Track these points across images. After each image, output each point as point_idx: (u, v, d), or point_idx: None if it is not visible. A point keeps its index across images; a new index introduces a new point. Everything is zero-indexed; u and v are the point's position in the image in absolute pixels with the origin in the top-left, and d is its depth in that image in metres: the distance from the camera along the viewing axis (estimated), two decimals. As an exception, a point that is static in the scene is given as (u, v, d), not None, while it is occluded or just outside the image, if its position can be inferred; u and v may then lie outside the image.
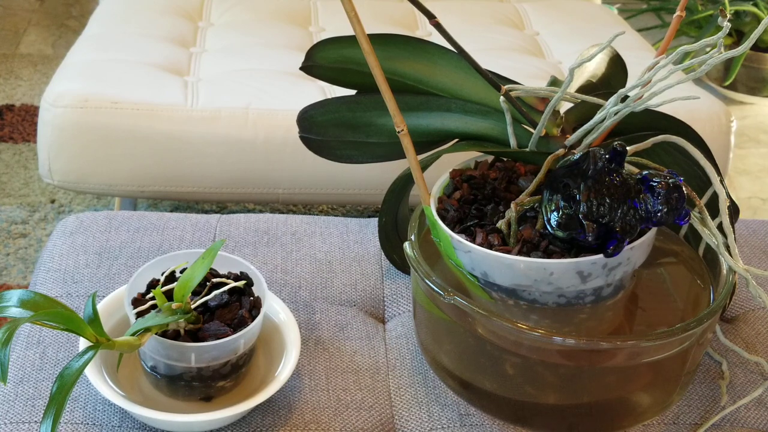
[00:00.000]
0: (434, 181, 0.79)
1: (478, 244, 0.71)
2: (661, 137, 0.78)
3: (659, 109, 0.76)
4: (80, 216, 0.98)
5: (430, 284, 0.71)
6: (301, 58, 0.91)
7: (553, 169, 0.72)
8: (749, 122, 2.43)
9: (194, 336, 0.71)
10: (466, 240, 0.72)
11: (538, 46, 1.78)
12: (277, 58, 1.60)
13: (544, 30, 1.86)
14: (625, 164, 0.70)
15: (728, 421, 0.79)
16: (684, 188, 0.67)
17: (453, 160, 0.85)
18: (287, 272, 0.92)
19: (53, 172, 1.41)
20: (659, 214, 0.67)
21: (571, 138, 0.77)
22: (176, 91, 1.45)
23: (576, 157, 0.68)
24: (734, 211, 0.80)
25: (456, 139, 0.87)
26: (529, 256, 0.69)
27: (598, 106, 0.79)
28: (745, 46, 0.68)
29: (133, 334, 0.68)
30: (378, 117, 0.89)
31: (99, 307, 0.74)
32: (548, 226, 0.69)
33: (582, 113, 0.83)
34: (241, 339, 0.72)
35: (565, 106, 0.86)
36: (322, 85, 1.48)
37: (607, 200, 0.66)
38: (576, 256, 0.69)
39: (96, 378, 0.72)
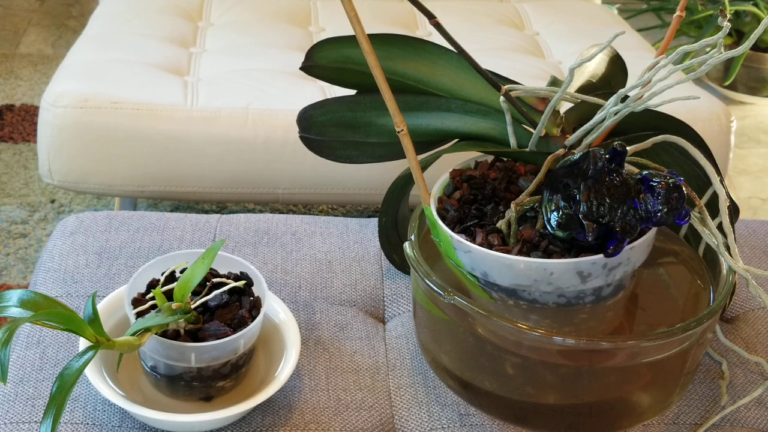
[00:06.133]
0: (434, 181, 0.79)
1: (478, 244, 0.71)
2: (661, 137, 0.78)
3: (659, 109, 0.76)
4: (80, 216, 0.98)
5: (430, 284, 0.71)
6: (301, 58, 0.91)
7: (553, 169, 0.72)
8: (749, 122, 2.43)
9: (194, 336, 0.71)
10: (466, 240, 0.72)
11: (538, 46, 1.78)
12: (277, 58, 1.60)
13: (544, 30, 1.86)
14: (625, 164, 0.70)
15: (728, 421, 0.79)
16: (684, 188, 0.67)
17: (453, 160, 0.85)
18: (287, 272, 0.92)
19: (53, 172, 1.41)
20: (659, 214, 0.67)
21: (571, 138, 0.77)
22: (176, 91, 1.45)
23: (576, 157, 0.68)
24: (734, 211, 0.80)
25: (456, 139, 0.87)
26: (529, 256, 0.69)
27: (598, 106, 0.79)
28: (745, 46, 0.68)
29: (133, 334, 0.68)
30: (378, 117, 0.89)
31: (99, 307, 0.74)
32: (548, 226, 0.69)
33: (582, 113, 0.83)
34: (241, 339, 0.72)
35: (565, 106, 0.86)
36: (322, 85, 1.48)
37: (607, 200, 0.66)
38: (576, 256, 0.69)
39: (96, 378, 0.72)
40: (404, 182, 0.88)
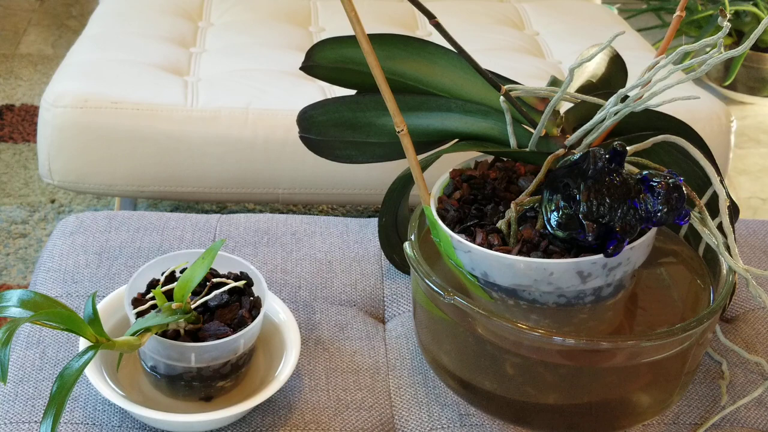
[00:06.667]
0: (434, 181, 0.79)
1: (478, 244, 0.71)
2: (661, 137, 0.78)
3: (659, 109, 0.76)
4: (80, 216, 0.98)
5: (430, 284, 0.71)
6: (301, 58, 0.91)
7: (553, 169, 0.72)
8: (749, 122, 2.43)
9: (194, 336, 0.71)
10: (466, 240, 0.72)
11: (538, 46, 1.78)
12: (277, 58, 1.60)
13: (544, 30, 1.86)
14: (625, 164, 0.70)
15: (728, 421, 0.79)
16: (684, 188, 0.67)
17: (453, 160, 0.85)
18: (287, 272, 0.92)
19: (53, 172, 1.41)
20: (659, 214, 0.67)
21: (571, 138, 0.77)
22: (176, 91, 1.45)
23: (576, 157, 0.68)
24: (734, 211, 0.80)
25: (456, 139, 0.88)
26: (529, 256, 0.69)
27: (598, 106, 0.79)
28: (745, 46, 0.68)
29: (133, 334, 0.68)
30: (378, 117, 0.89)
31: (99, 307, 0.74)
32: (548, 226, 0.69)
33: (582, 113, 0.83)
34: (241, 339, 0.72)
35: (565, 106, 0.86)
36: (322, 85, 1.48)
37: (607, 200, 0.66)
38: (576, 256, 0.69)
39: (96, 378, 0.72)
40: (404, 182, 0.88)
